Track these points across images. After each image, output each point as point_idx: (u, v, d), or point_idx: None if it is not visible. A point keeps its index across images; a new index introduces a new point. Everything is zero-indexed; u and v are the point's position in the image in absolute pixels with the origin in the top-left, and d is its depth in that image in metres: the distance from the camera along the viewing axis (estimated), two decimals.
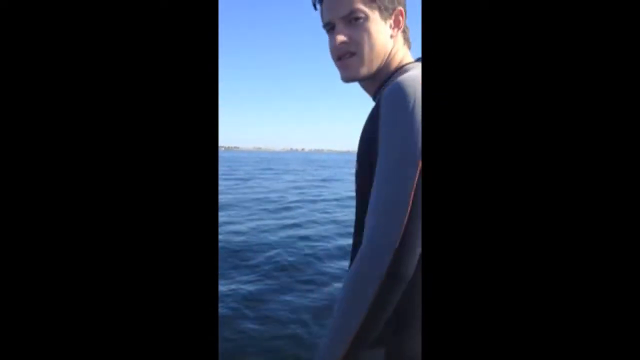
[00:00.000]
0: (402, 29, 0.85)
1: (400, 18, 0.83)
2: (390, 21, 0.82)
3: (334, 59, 0.84)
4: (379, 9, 0.80)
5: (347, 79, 0.84)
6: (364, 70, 0.82)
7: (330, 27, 0.82)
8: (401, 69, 0.84)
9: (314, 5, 0.86)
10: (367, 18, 0.79)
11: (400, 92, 0.68)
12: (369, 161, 0.74)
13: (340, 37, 0.79)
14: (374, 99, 0.87)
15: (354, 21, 0.79)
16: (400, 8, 0.83)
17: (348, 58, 0.81)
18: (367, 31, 0.80)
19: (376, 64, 0.83)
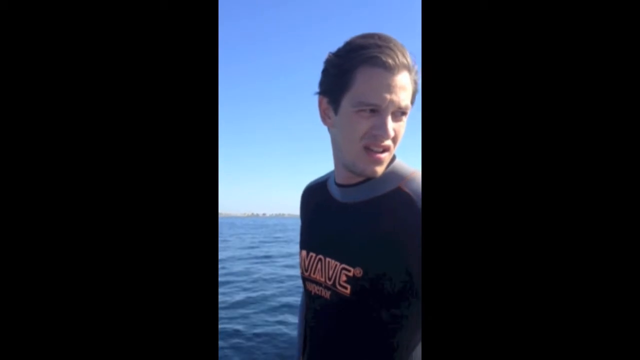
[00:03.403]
0: None
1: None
2: None
3: (359, 144, 0.72)
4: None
5: (373, 173, 0.74)
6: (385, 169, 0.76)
7: (370, 109, 0.70)
8: (390, 166, 0.78)
9: (333, 68, 0.73)
10: (407, 116, 0.74)
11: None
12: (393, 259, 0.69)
13: (392, 130, 0.70)
14: (349, 186, 0.80)
15: (400, 116, 0.72)
16: None
17: (381, 152, 0.73)
18: (404, 130, 0.74)
19: None
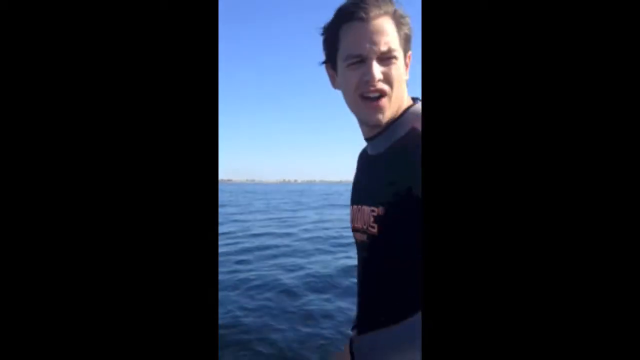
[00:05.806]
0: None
1: (408, 61, 0.82)
2: (405, 64, 0.81)
3: (356, 95, 0.78)
4: (404, 51, 0.79)
5: (377, 121, 0.80)
6: (391, 113, 0.80)
7: (357, 61, 0.76)
8: (407, 111, 0.82)
9: (325, 34, 0.82)
10: (398, 59, 0.77)
11: None
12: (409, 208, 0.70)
13: (379, 74, 0.75)
14: (371, 139, 0.87)
15: (389, 60, 0.76)
16: (411, 52, 0.82)
17: (378, 99, 0.78)
18: (398, 73, 0.78)
19: (398, 108, 0.81)
